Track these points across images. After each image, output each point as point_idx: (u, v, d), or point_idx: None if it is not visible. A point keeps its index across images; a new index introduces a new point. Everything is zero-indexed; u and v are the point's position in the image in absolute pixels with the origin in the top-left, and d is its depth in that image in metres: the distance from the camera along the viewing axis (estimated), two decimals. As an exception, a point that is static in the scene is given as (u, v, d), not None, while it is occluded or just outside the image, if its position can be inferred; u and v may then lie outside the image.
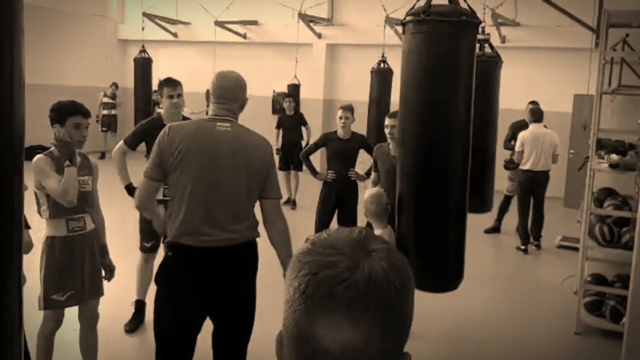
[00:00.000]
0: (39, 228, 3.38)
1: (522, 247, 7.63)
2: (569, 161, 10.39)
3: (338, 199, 5.74)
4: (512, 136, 8.16)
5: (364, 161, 5.97)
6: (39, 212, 3.39)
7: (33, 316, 3.64)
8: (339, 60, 13.84)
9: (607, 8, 5.26)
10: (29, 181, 3.29)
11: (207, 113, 3.64)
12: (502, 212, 8.42)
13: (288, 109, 9.81)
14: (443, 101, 3.25)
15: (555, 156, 7.56)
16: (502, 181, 7.90)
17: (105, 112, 14.05)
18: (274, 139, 9.61)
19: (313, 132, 9.74)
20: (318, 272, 0.81)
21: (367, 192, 4.19)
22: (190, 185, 2.84)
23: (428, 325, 4.81)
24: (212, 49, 13.59)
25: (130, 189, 4.45)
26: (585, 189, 5.31)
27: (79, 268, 3.39)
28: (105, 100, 14.10)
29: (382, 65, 8.99)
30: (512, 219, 8.09)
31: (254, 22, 14.12)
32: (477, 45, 3.88)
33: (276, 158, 7.62)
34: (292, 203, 9.53)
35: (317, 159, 7.12)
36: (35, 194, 3.35)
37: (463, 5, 3.32)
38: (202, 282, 2.87)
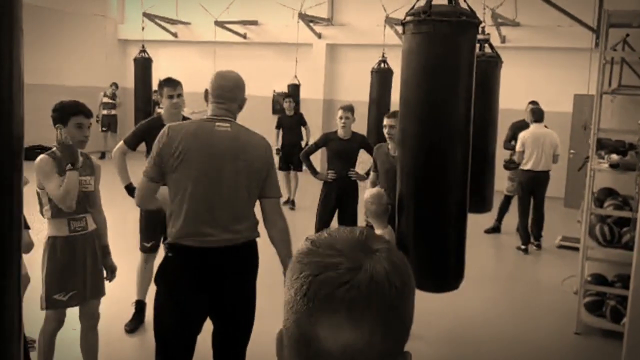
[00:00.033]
0: (40, 228, 3.38)
1: (523, 246, 7.62)
2: (569, 161, 10.39)
3: (338, 199, 5.74)
4: (512, 136, 8.16)
5: (364, 161, 5.97)
6: (41, 212, 3.40)
7: (34, 316, 3.65)
8: (339, 60, 13.84)
9: (607, 8, 5.26)
10: (32, 183, 3.30)
11: None
12: (502, 212, 8.42)
13: (288, 109, 9.80)
14: (443, 101, 3.25)
15: (556, 156, 7.56)
16: (502, 181, 7.90)
17: (105, 112, 14.05)
18: (274, 139, 9.60)
19: (313, 132, 9.74)
20: (319, 273, 0.81)
21: (367, 192, 4.19)
22: (190, 186, 2.83)
23: (428, 325, 4.81)
24: (212, 49, 13.59)
25: (130, 189, 4.45)
26: (585, 189, 5.31)
27: (80, 268, 3.40)
28: (105, 100, 14.10)
29: (382, 65, 8.99)
30: (512, 219, 8.09)
31: (254, 22, 14.12)
32: (477, 45, 3.88)
33: (276, 158, 7.62)
34: (291, 203, 9.52)
35: (317, 159, 7.12)
36: (38, 194, 3.36)
37: (463, 5, 3.32)
38: (202, 283, 2.86)
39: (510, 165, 7.95)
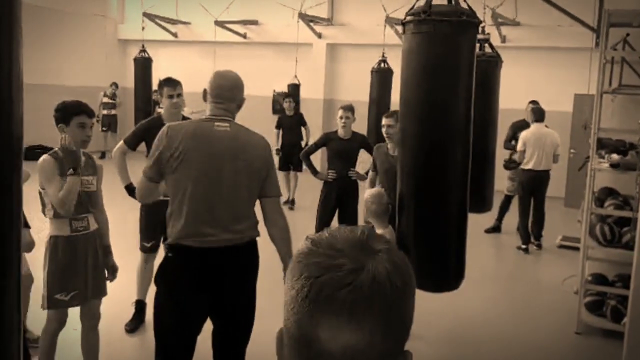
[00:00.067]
0: (41, 228, 3.38)
1: (523, 246, 7.62)
2: (569, 161, 10.39)
3: (338, 198, 5.73)
4: (513, 136, 8.16)
5: (364, 161, 5.97)
6: (43, 212, 3.40)
7: (40, 316, 3.66)
8: (339, 60, 13.83)
9: (608, 7, 5.26)
10: (35, 182, 3.31)
11: None
12: (503, 211, 8.42)
13: (288, 109, 9.80)
14: (443, 101, 3.25)
15: (556, 156, 7.56)
16: (502, 181, 7.90)
17: (105, 112, 14.05)
18: (274, 139, 9.60)
19: (313, 131, 9.74)
20: (321, 275, 0.81)
21: (367, 192, 4.19)
22: (190, 186, 2.83)
23: (428, 325, 4.80)
24: (212, 49, 13.59)
25: (130, 189, 4.45)
26: (585, 188, 5.30)
27: (82, 268, 3.40)
28: (106, 100, 14.10)
29: (382, 65, 8.99)
30: (512, 218, 8.09)
31: (254, 22, 14.12)
32: (477, 45, 3.88)
33: (276, 159, 7.60)
34: (290, 203, 9.52)
35: (318, 158, 7.11)
36: (40, 193, 3.37)
37: (463, 4, 3.32)
38: (202, 283, 2.86)
39: (510, 165, 7.94)
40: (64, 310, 3.47)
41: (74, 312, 3.57)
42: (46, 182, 3.27)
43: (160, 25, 14.06)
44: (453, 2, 3.26)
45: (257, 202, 3.03)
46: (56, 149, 3.36)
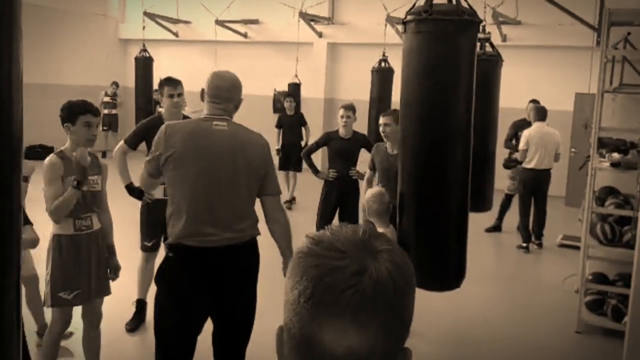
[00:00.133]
0: (45, 227, 3.38)
1: (524, 245, 7.62)
2: (570, 160, 10.38)
3: (339, 198, 5.73)
4: (514, 135, 8.15)
5: (365, 160, 5.96)
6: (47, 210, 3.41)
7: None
8: (339, 59, 13.83)
9: (609, 6, 5.25)
10: (38, 182, 3.32)
11: None
12: (503, 211, 8.41)
13: (289, 109, 9.80)
14: (444, 100, 3.24)
15: (557, 155, 7.55)
16: (502, 180, 7.90)
17: (106, 111, 14.04)
18: (275, 138, 9.59)
19: (314, 131, 9.73)
20: (324, 277, 0.80)
21: (369, 191, 4.19)
22: (189, 185, 2.83)
23: (428, 324, 4.80)
24: (213, 48, 13.59)
25: (130, 189, 4.46)
26: (586, 187, 5.30)
27: (85, 267, 3.41)
28: (106, 99, 14.10)
29: (382, 64, 8.98)
30: (513, 217, 8.09)
31: (255, 21, 14.12)
32: (478, 44, 3.87)
33: (276, 158, 7.59)
34: (289, 202, 9.51)
35: (318, 158, 7.11)
36: (45, 191, 3.37)
37: (464, 4, 3.31)
38: (203, 282, 2.86)
39: (510, 163, 7.94)
40: (68, 311, 3.48)
41: (75, 312, 3.57)
42: (46, 185, 3.28)
43: (161, 25, 14.06)
44: (454, 1, 3.25)
45: (257, 201, 3.04)
46: (62, 148, 3.39)
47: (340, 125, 5.77)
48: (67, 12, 14.20)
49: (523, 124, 7.99)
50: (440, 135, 3.27)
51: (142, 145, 4.50)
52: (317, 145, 6.07)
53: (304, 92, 11.81)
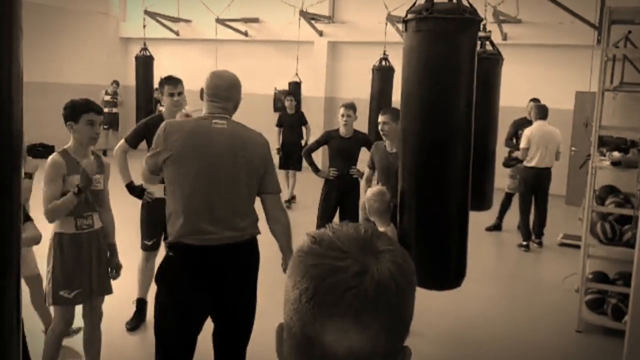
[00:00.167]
0: (47, 224, 3.39)
1: (524, 243, 7.62)
2: (570, 159, 10.38)
3: (339, 197, 5.73)
4: (514, 134, 8.14)
5: (365, 159, 5.96)
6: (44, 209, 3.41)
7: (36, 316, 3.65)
8: (340, 58, 13.82)
9: (609, 5, 5.25)
10: (40, 180, 3.32)
11: None
12: (504, 209, 8.41)
13: (289, 108, 9.79)
14: (444, 99, 3.24)
15: (558, 153, 7.55)
16: (502, 179, 7.89)
17: (106, 110, 14.01)
18: (275, 137, 9.59)
19: (314, 130, 9.72)
20: (326, 277, 0.80)
21: (369, 190, 4.18)
22: (189, 184, 2.84)
23: (429, 324, 4.80)
24: (214, 47, 13.58)
25: (131, 188, 4.46)
26: (586, 186, 5.30)
27: (86, 266, 3.41)
28: (107, 98, 14.09)
29: (383, 62, 8.97)
30: (513, 216, 8.08)
31: (256, 20, 14.12)
32: (478, 42, 3.87)
33: (276, 158, 7.56)
34: (288, 202, 9.49)
35: (319, 157, 7.11)
36: None
37: (464, 2, 3.31)
38: (203, 282, 2.86)
39: (510, 162, 7.93)
40: (70, 310, 3.48)
41: (76, 312, 3.58)
42: (46, 182, 3.29)
43: (161, 23, 14.06)
44: (454, 0, 3.25)
45: (258, 200, 3.04)
46: (65, 147, 3.39)
47: (341, 124, 5.76)
48: (68, 10, 14.19)
49: (523, 123, 7.98)
50: (441, 134, 3.27)
51: (143, 144, 4.49)
52: (318, 144, 6.06)
53: (305, 91, 11.81)
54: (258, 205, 3.03)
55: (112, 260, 3.60)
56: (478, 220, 6.32)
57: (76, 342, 3.72)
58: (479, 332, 5.01)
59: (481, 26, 3.76)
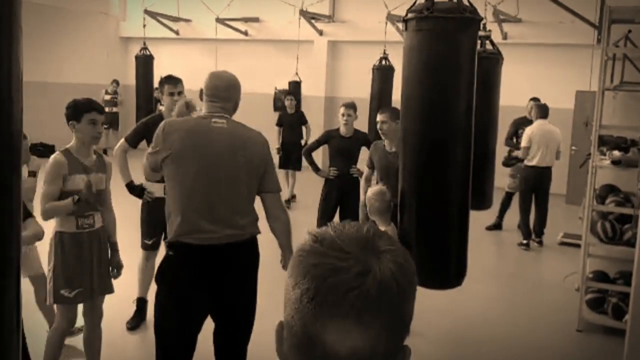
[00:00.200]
0: (49, 222, 3.39)
1: (524, 241, 7.62)
2: (570, 158, 10.37)
3: (340, 196, 5.73)
4: (514, 133, 8.14)
5: (366, 159, 5.96)
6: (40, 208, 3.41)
7: (36, 315, 3.64)
8: (340, 57, 13.82)
9: (609, 4, 5.24)
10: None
11: None
12: (504, 209, 8.41)
13: (289, 107, 9.78)
14: (444, 98, 3.24)
15: (558, 153, 7.55)
16: (502, 178, 7.89)
17: (106, 109, 13.94)
18: (275, 136, 9.59)
19: (314, 129, 9.72)
20: (327, 277, 0.80)
21: (370, 189, 4.19)
22: (189, 184, 2.84)
23: (429, 324, 4.80)
24: (214, 46, 13.57)
25: (131, 187, 4.45)
26: (587, 185, 5.30)
27: (87, 265, 3.42)
28: (107, 97, 14.10)
29: (383, 62, 8.97)
30: (513, 216, 8.08)
31: (256, 19, 14.11)
32: (478, 41, 3.86)
33: (276, 158, 7.54)
34: (287, 202, 9.48)
35: (319, 156, 7.11)
36: None
37: (464, 1, 3.31)
38: (203, 281, 2.86)
39: (510, 162, 7.93)
40: (73, 309, 3.49)
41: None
42: (46, 181, 3.29)
43: (161, 23, 14.06)
44: (454, -1, 3.25)
45: (258, 200, 3.04)
46: (67, 146, 3.40)
47: (341, 124, 5.76)
48: (68, 10, 14.19)
49: (523, 122, 7.98)
50: (441, 134, 3.27)
51: (143, 143, 4.49)
52: (318, 143, 6.06)
53: (305, 90, 11.81)
54: (258, 205, 3.03)
55: (113, 258, 3.61)
56: (478, 219, 6.32)
57: (78, 342, 3.72)
58: (479, 332, 5.00)
59: (481, 25, 3.76)
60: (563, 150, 7.91)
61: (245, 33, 14.23)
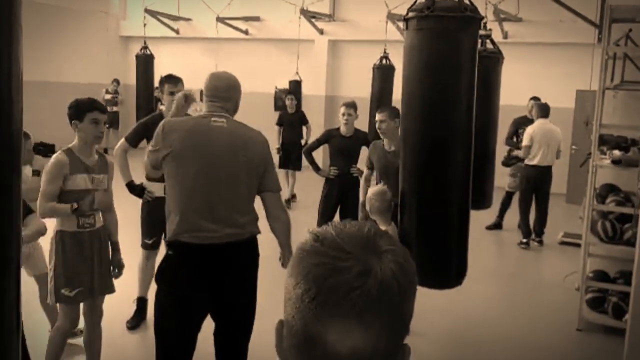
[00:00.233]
0: (51, 220, 3.39)
1: (524, 240, 7.62)
2: (571, 157, 10.37)
3: (340, 195, 5.73)
4: (514, 132, 8.14)
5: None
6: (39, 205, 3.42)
7: (36, 315, 3.64)
8: (341, 57, 13.81)
9: (610, 3, 5.23)
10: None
11: None
12: (504, 208, 8.41)
13: (290, 107, 9.78)
14: (444, 98, 3.24)
15: (559, 152, 7.55)
16: (502, 178, 7.89)
17: (107, 108, 14.01)
18: (275, 135, 9.58)
19: (315, 129, 9.71)
20: (328, 277, 0.80)
21: (370, 189, 4.18)
22: (189, 183, 2.83)
23: (429, 324, 4.79)
24: (214, 45, 13.58)
25: (131, 186, 4.45)
26: (587, 185, 5.30)
27: (88, 265, 3.42)
28: (107, 97, 14.10)
29: (384, 61, 8.97)
30: (513, 215, 8.08)
31: (256, 18, 14.11)
32: (479, 41, 3.86)
33: (276, 158, 7.54)
34: (288, 201, 9.47)
35: (319, 156, 7.11)
36: None
37: (465, 0, 3.30)
38: (202, 280, 2.86)
39: (510, 161, 7.93)
40: (75, 309, 3.49)
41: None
42: (47, 180, 3.29)
43: (162, 22, 14.05)
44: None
45: (258, 199, 3.04)
46: (69, 145, 3.41)
47: (342, 123, 5.76)
48: (68, 9, 14.18)
49: (524, 121, 7.98)
50: (441, 133, 3.27)
51: (143, 143, 4.49)
52: (319, 142, 6.06)
53: (305, 90, 11.80)
54: (258, 204, 3.03)
55: (114, 258, 3.61)
56: (478, 219, 6.32)
57: (79, 340, 3.72)
58: (479, 332, 5.00)
59: (482, 24, 3.76)
60: (563, 150, 7.91)
61: (246, 32, 14.22)
